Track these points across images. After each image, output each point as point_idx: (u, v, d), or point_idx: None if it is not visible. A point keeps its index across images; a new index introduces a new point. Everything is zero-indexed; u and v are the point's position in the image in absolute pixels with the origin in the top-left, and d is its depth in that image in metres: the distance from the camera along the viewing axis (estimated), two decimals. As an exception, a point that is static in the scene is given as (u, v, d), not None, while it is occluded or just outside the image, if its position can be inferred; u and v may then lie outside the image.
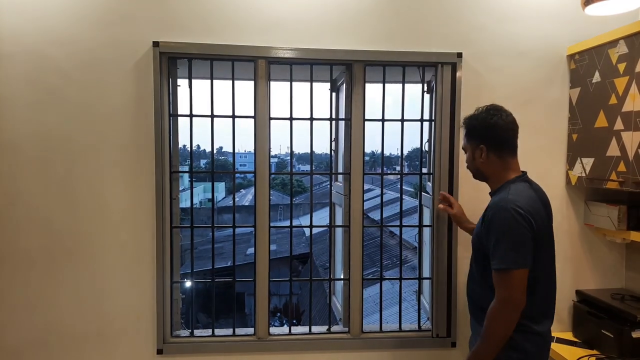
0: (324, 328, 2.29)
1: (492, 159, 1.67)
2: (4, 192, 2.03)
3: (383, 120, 2.25)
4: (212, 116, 2.17)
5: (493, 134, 1.67)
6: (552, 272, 1.70)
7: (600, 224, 2.16)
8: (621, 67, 1.90)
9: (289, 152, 2.32)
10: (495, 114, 1.67)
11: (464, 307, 2.22)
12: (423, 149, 2.31)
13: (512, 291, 1.51)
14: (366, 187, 2.32)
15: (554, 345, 2.12)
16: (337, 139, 2.44)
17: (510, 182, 1.64)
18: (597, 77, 2.05)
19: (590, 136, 2.09)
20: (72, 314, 2.09)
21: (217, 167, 2.22)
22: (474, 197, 2.20)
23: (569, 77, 2.24)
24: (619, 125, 1.91)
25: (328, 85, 2.34)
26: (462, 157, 2.18)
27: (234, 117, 2.18)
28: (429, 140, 2.31)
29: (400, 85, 2.26)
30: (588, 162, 2.10)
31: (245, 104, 2.20)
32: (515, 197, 1.56)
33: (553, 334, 2.23)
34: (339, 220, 2.47)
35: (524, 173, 1.70)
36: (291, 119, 2.22)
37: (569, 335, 2.24)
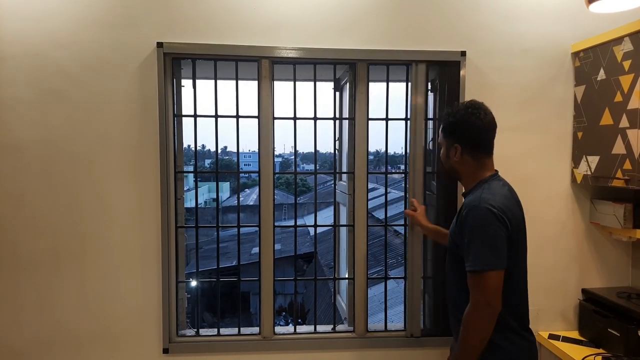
0: (329, 327, 2.29)
1: (467, 159, 1.59)
2: (9, 194, 2.04)
3: (387, 119, 2.25)
4: (217, 116, 2.18)
5: (469, 135, 1.58)
6: (525, 272, 1.61)
7: (606, 222, 2.15)
8: (626, 64, 1.89)
9: (293, 151, 2.32)
10: (474, 112, 1.57)
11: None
12: (427, 147, 2.30)
13: (487, 294, 1.42)
14: (370, 186, 2.32)
15: (560, 344, 2.11)
16: (341, 138, 2.44)
17: (484, 181, 1.57)
18: (602, 75, 2.04)
19: (596, 134, 2.08)
20: (78, 315, 2.10)
21: (221, 167, 2.23)
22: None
23: (573, 74, 2.23)
24: (624, 123, 1.90)
25: (332, 84, 2.34)
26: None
27: (238, 117, 2.19)
28: (433, 139, 2.31)
29: (404, 84, 2.25)
30: (593, 160, 2.09)
31: (249, 103, 2.20)
32: (489, 196, 1.49)
33: (559, 333, 2.23)
34: (343, 220, 2.47)
35: (497, 172, 1.63)
36: (295, 118, 2.22)
37: (574, 334, 2.23)
